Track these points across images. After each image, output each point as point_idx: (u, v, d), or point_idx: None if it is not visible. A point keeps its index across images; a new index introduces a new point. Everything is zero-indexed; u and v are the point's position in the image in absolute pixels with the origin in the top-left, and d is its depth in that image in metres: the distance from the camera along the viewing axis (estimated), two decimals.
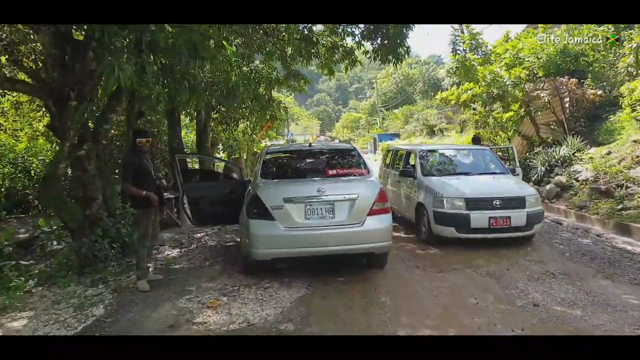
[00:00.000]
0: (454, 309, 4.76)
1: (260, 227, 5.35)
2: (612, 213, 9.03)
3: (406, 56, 9.94)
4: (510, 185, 7.76)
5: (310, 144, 6.86)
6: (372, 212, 5.47)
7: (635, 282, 5.53)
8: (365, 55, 10.54)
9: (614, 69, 14.43)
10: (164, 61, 6.93)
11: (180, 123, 13.21)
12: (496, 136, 18.34)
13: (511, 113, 17.87)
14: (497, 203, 7.11)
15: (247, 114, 17.04)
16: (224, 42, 7.53)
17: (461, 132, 31.39)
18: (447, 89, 24.82)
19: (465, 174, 8.16)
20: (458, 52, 15.67)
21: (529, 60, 15.28)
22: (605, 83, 14.56)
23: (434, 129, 36.22)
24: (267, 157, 6.48)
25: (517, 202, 7.21)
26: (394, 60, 10.02)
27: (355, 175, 6.00)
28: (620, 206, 9.12)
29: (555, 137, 15.07)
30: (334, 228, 5.39)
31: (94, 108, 7.53)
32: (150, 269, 6.12)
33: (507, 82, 14.63)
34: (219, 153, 20.38)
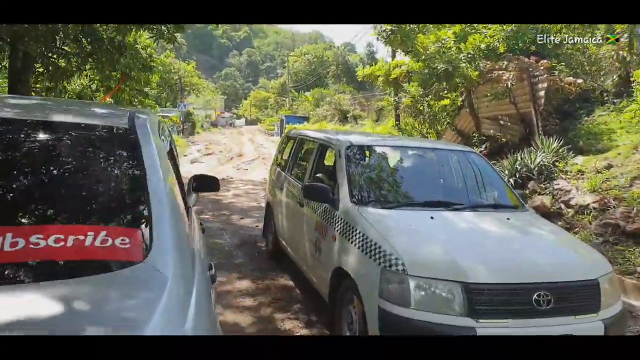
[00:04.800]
0: None
1: None
2: None
3: None
4: (553, 243, 3.38)
5: None
6: None
7: None
8: None
9: (591, 55, 10.98)
10: None
11: None
12: (429, 129, 14.52)
13: (447, 101, 14.22)
14: (542, 299, 2.75)
15: (79, 63, 11.57)
16: None
17: (377, 120, 27.75)
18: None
19: (446, 205, 3.67)
20: None
21: (490, 29, 11.38)
22: (578, 70, 11.10)
23: (347, 115, 32.35)
24: None
25: (585, 296, 2.91)
26: None
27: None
28: None
29: (508, 135, 11.45)
30: None
31: None
32: None
33: (460, 56, 10.59)
34: None
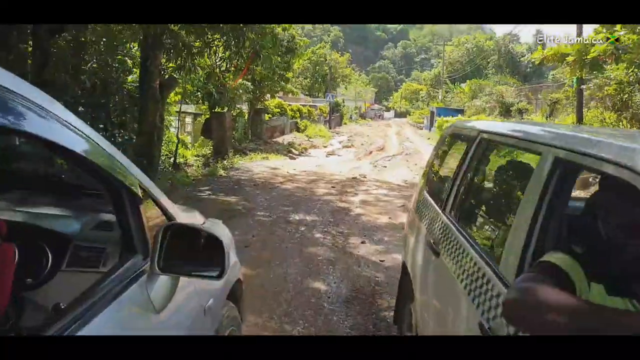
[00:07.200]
0: None
1: None
2: None
3: None
4: None
5: None
6: None
7: None
8: None
9: None
10: None
11: None
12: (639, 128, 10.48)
13: None
14: None
15: (208, 40, 10.34)
16: None
17: (550, 115, 23.03)
18: (529, 66, 17.02)
19: None
20: None
21: None
22: None
23: (511, 109, 27.91)
24: None
25: None
26: None
27: None
28: None
29: None
30: None
31: None
32: None
33: None
34: (179, 106, 13.45)
